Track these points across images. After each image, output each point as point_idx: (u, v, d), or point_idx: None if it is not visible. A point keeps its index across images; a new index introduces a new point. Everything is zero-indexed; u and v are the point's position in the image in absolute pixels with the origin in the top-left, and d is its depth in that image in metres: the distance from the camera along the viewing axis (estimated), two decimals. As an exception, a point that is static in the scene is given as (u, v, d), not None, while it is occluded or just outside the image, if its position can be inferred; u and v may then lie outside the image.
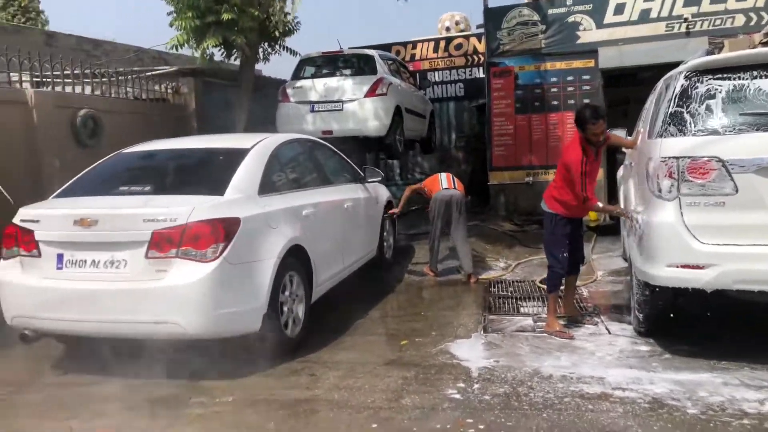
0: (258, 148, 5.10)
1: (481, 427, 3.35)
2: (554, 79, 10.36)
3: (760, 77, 4.07)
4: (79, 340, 4.52)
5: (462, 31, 14.20)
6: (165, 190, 4.70)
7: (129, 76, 8.80)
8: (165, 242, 4.02)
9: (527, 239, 8.51)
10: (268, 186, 4.86)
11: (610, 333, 4.83)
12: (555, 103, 10.37)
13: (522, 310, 5.61)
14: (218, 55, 9.04)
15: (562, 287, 5.15)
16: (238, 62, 9.46)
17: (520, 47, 10.48)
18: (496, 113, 10.67)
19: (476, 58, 13.17)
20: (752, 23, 9.24)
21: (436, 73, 13.49)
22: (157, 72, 9.85)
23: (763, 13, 9.35)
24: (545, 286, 5.48)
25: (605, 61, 9.96)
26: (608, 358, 4.29)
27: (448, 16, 14.70)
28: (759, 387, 3.69)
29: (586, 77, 10.18)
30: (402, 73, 10.56)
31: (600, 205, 5.30)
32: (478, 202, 10.75)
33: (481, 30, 11.49)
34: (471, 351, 4.57)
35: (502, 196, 10.56)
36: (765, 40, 4.55)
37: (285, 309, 4.62)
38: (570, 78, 10.27)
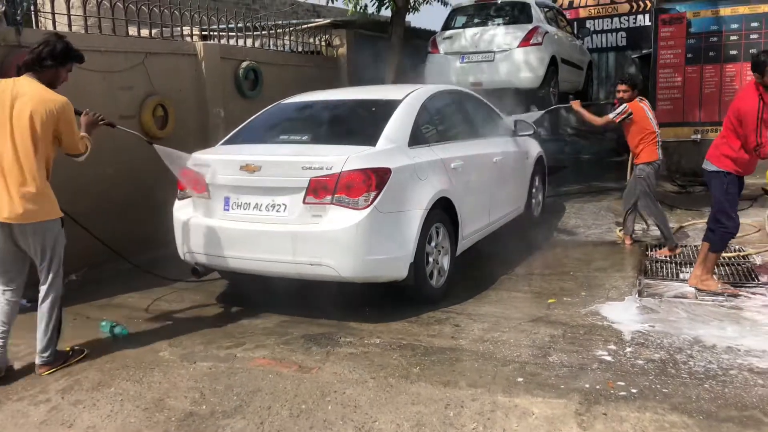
0: (408, 99, 5.11)
1: (634, 391, 3.19)
2: (735, 26, 9.27)
3: None
4: (241, 276, 4.90)
5: (628, -26, 13.12)
6: (321, 140, 4.88)
7: (286, 29, 9.15)
8: (321, 189, 4.20)
9: (690, 202, 7.84)
10: (417, 137, 4.88)
11: (787, 307, 4.36)
12: (734, 52, 9.31)
13: (682, 276, 5.21)
14: (370, 6, 9.11)
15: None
16: (389, 13, 9.48)
17: (695, -10, 9.47)
18: (663, 64, 9.79)
19: (642, 4, 12.17)
20: None
21: (596, 21, 12.62)
22: (312, 24, 10.15)
23: None
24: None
25: (800, 2, 8.71)
26: (784, 334, 3.88)
27: (612, -42, 13.63)
28: None
29: (775, 23, 9.00)
30: (559, 22, 10.02)
31: None
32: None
33: (651, -28, 10.53)
34: (624, 314, 4.35)
35: (665, 154, 9.77)
36: None
37: (431, 259, 4.66)
38: (755, 24, 9.12)
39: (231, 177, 4.54)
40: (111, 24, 6.36)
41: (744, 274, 5.18)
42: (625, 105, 5.99)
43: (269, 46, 8.81)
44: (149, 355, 3.93)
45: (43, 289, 3.69)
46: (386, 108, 4.98)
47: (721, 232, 4.71)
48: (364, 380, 3.45)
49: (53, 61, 3.57)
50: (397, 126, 4.80)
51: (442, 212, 4.80)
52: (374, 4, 9.15)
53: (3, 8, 5.15)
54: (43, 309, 3.69)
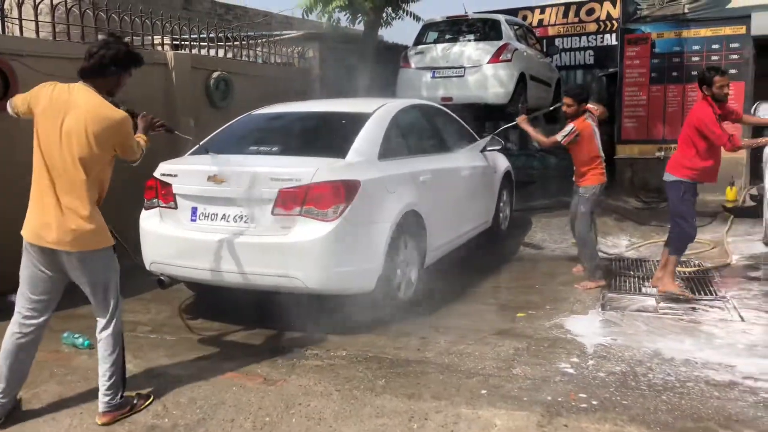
0: (379, 113, 5.16)
1: (595, 402, 3.26)
2: (696, 48, 9.58)
3: None
4: (208, 288, 4.86)
5: (595, -5, 13.44)
6: (291, 151, 4.89)
7: (258, 40, 9.15)
8: (290, 200, 4.20)
9: (654, 217, 8.03)
10: (387, 150, 4.92)
11: (743, 320, 4.49)
12: (695, 73, 9.53)
13: (644, 290, 5.33)
14: (344, 19, 9.19)
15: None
16: (362, 27, 9.56)
17: (659, 12, 9.78)
18: (629, 83, 10.06)
19: (609, 24, 12.43)
20: None
21: (565, 39, 12.90)
22: (285, 36, 10.17)
23: None
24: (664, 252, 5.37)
25: (759, 27, 9.02)
26: (739, 346, 4.00)
27: (581, -21, 13.95)
28: None
29: (735, 45, 9.32)
30: (529, 39, 10.20)
31: (745, 141, 5.65)
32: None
33: (617, -6, 10.82)
34: (587, 327, 4.43)
35: (629, 171, 10.02)
36: None
37: (399, 272, 4.69)
38: (715, 46, 9.45)
39: (198, 187, 4.52)
40: (80, 31, 6.29)
41: (703, 288, 5.32)
42: (572, 126, 5.51)
43: (241, 56, 8.81)
44: (111, 367, 3.86)
45: (101, 323, 3.26)
46: (357, 121, 5.01)
47: (678, 234, 5.12)
48: (329, 393, 3.45)
49: (116, 66, 3.16)
50: (367, 139, 4.83)
51: (411, 225, 4.84)
52: (348, 17, 9.24)
53: None
54: (105, 346, 3.24)
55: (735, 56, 9.27)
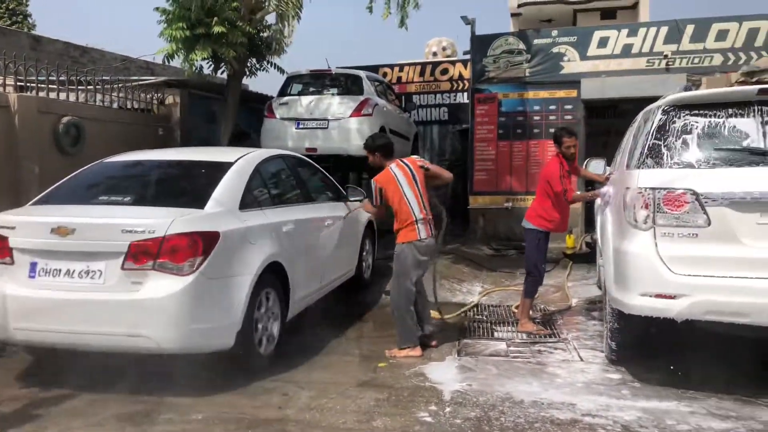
0: (241, 162, 5.11)
1: (451, 451, 3.36)
2: (537, 108, 10.54)
3: (735, 115, 4.19)
4: (48, 351, 4.45)
5: (449, 56, 14.42)
6: (145, 201, 4.70)
7: (115, 85, 8.77)
8: (142, 254, 4.00)
9: (505, 264, 8.56)
10: (249, 201, 4.87)
11: (582, 360, 4.88)
12: (537, 131, 10.55)
13: (496, 334, 5.64)
14: (206, 68, 9.08)
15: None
16: (225, 76, 9.50)
17: (504, 75, 10.67)
18: (479, 138, 10.80)
19: (461, 84, 13.37)
20: (730, 62, 9.51)
21: (422, 96, 13.65)
22: (144, 82, 9.84)
23: (740, 53, 9.63)
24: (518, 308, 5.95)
25: (587, 91, 10.16)
26: (579, 385, 4.33)
27: (436, 41, 14.94)
28: (725, 417, 3.75)
29: (569, 107, 10.38)
30: (388, 95, 10.67)
31: (578, 193, 6.28)
32: (459, 225, 10.81)
33: (468, 57, 11.67)
34: (444, 374, 4.58)
35: (482, 220, 10.65)
36: (742, 80, 4.68)
37: (260, 326, 4.60)
38: (552, 107, 10.46)
39: (40, 240, 4.18)
40: None
41: (548, 331, 5.72)
42: (373, 183, 5.19)
43: (95, 101, 8.37)
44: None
45: None
46: (217, 170, 4.92)
47: (531, 280, 5.77)
48: (183, 459, 3.26)
49: None
50: (228, 189, 4.75)
51: (273, 277, 4.78)
52: (210, 66, 9.14)
53: None
54: None
55: (569, 116, 10.31)
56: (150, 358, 4.19)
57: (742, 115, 4.17)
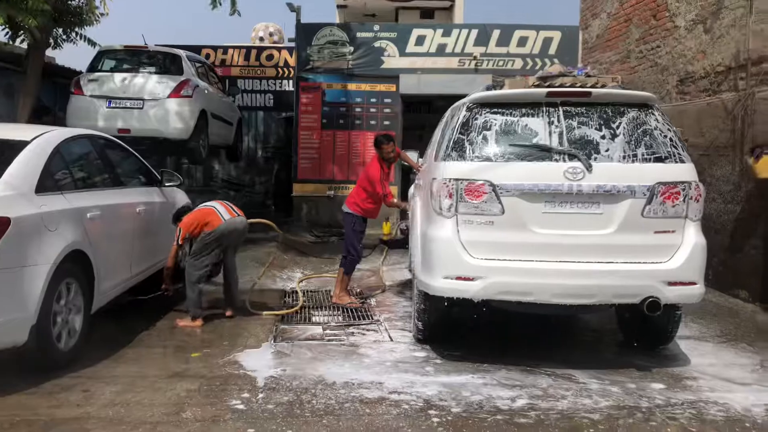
0: (39, 141, 4.66)
1: (262, 436, 3.41)
2: (359, 100, 10.88)
3: (527, 115, 4.66)
4: None
5: (275, 42, 14.27)
6: None
7: None
8: None
9: (325, 251, 8.75)
10: (48, 184, 4.46)
11: (392, 340, 5.18)
12: (358, 122, 10.89)
13: (313, 319, 5.78)
14: (2, 35, 8.10)
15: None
16: (25, 45, 8.55)
17: (328, 65, 10.86)
18: (303, 127, 10.90)
19: (287, 71, 13.32)
20: (528, 67, 10.57)
21: (247, 81, 13.38)
22: None
23: (537, 60, 10.73)
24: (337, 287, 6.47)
25: (405, 87, 10.70)
26: (387, 364, 4.59)
27: (263, 26, 14.73)
28: (512, 386, 4.21)
29: (388, 101, 10.85)
30: (210, 77, 10.34)
31: (395, 200, 6.81)
32: (282, 212, 10.85)
33: (293, 44, 11.68)
34: (259, 360, 4.60)
35: (305, 208, 10.78)
36: (537, 83, 5.20)
37: (59, 319, 4.26)
38: (373, 100, 10.86)
39: None
40: None
41: (362, 313, 5.99)
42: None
43: None
44: None
45: None
46: (10, 149, 4.44)
47: (350, 259, 6.36)
48: (-39, 468, 2.96)
49: None
50: (22, 170, 4.32)
51: (75, 266, 4.45)
52: (7, 34, 8.16)
53: None
54: None
55: (388, 110, 10.80)
56: None
57: (533, 115, 4.66)
